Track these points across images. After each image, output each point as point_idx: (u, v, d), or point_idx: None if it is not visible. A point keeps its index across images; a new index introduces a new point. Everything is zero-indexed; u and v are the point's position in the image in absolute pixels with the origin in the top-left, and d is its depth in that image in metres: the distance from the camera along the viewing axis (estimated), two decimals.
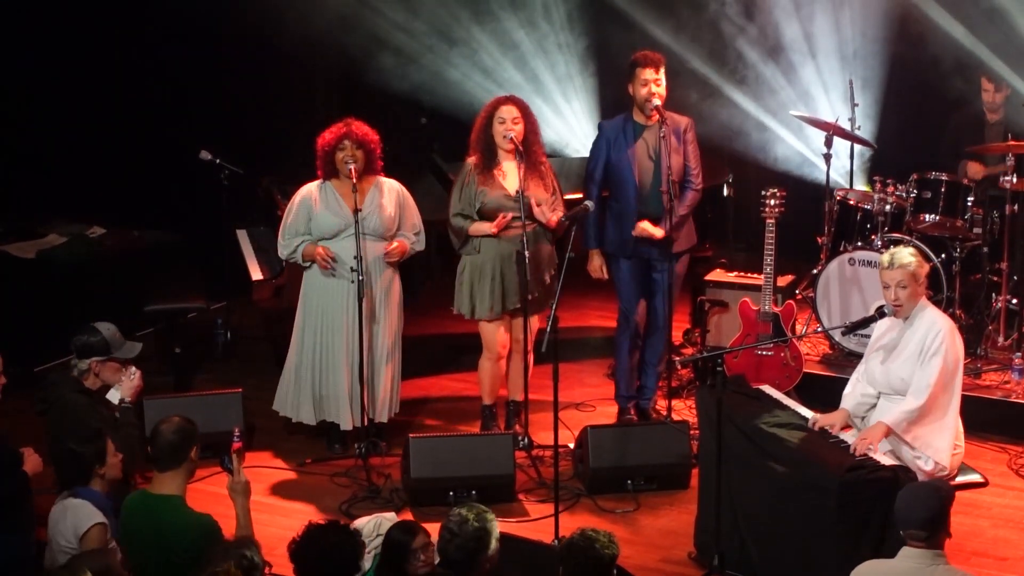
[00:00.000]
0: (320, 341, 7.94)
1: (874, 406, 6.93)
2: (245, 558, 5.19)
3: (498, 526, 5.42)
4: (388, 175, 8.00)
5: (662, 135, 7.91)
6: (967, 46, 9.81)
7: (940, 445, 6.60)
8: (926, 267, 6.83)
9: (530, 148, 7.85)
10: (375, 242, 7.88)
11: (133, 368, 6.92)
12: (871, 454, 6.32)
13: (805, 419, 6.70)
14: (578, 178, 8.98)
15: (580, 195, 8.16)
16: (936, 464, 6.61)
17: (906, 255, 6.72)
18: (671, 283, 8.10)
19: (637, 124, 8.06)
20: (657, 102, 7.90)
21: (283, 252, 8.00)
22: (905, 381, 6.61)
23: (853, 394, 6.92)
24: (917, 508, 5.28)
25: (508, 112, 7.84)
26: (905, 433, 6.57)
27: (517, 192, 7.73)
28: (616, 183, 8.07)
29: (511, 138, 7.78)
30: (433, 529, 5.60)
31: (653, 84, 7.92)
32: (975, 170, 9.18)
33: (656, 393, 8.41)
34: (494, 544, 5.34)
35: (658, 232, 7.95)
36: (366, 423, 7.90)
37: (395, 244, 7.87)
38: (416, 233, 7.97)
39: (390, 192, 7.93)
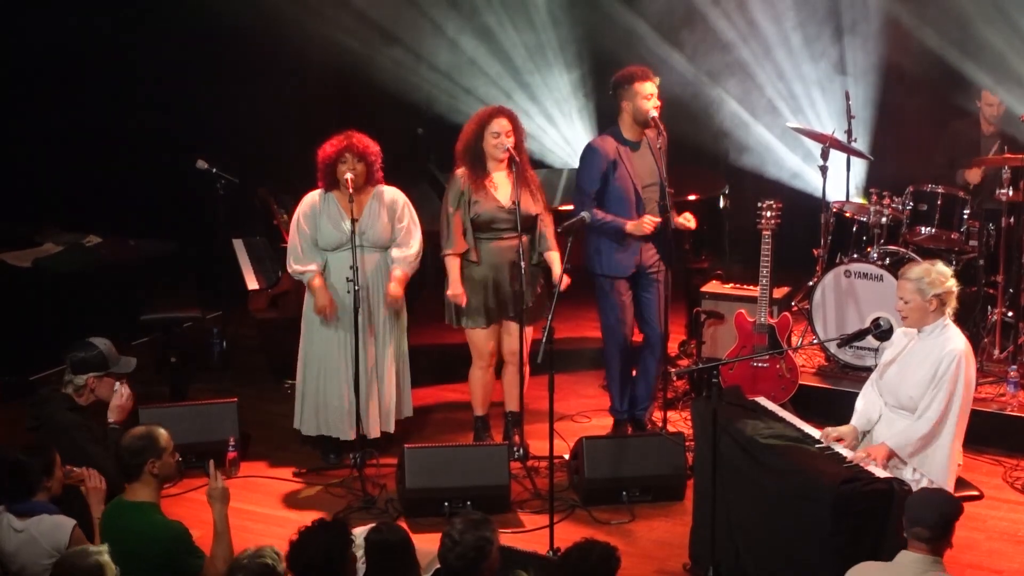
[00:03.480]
0: (322, 354, 7.94)
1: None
2: (266, 566, 5.18)
3: (499, 535, 5.42)
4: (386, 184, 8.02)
5: (660, 146, 7.92)
6: (963, 59, 9.85)
7: (938, 467, 6.57)
8: (943, 287, 6.59)
9: (518, 159, 7.85)
10: (374, 253, 7.89)
11: (120, 387, 6.83)
12: (867, 467, 6.31)
13: (800, 431, 6.69)
14: (563, 190, 8.99)
15: (573, 207, 8.16)
16: (930, 483, 6.59)
17: (917, 270, 6.68)
18: (665, 298, 8.09)
19: (630, 142, 8.04)
20: (657, 106, 7.92)
21: (293, 269, 7.95)
22: (914, 400, 6.57)
23: (863, 412, 6.86)
24: (930, 508, 5.33)
25: (502, 125, 7.82)
26: (910, 458, 6.55)
27: (514, 203, 7.73)
28: (617, 202, 7.98)
29: (507, 149, 7.78)
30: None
31: (655, 97, 7.94)
32: (973, 175, 9.19)
33: (651, 405, 8.41)
34: (494, 553, 5.33)
35: (691, 223, 8.09)
36: (368, 435, 7.90)
37: (393, 286, 7.87)
38: (409, 246, 7.97)
39: (387, 199, 7.94)
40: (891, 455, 6.49)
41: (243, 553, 5.31)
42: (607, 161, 7.96)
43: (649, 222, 7.91)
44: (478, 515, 5.39)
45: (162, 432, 5.96)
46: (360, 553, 6.03)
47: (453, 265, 7.91)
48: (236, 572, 5.22)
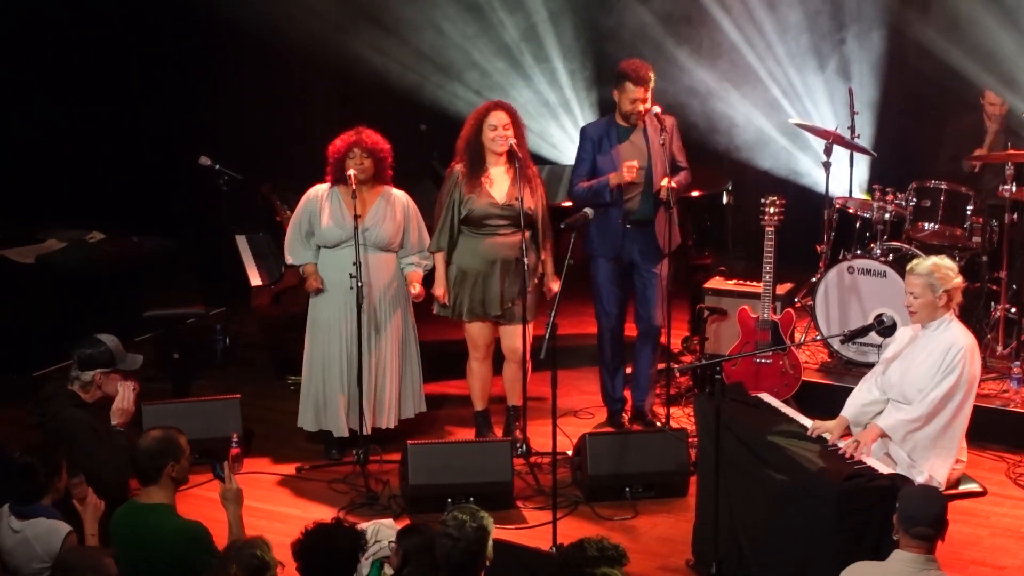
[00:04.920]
0: (324, 351, 7.95)
1: (879, 413, 6.87)
2: (256, 557, 5.19)
3: (491, 521, 5.43)
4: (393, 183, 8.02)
5: (663, 142, 7.94)
6: (965, 57, 9.85)
7: (937, 461, 6.57)
8: (952, 282, 6.66)
9: (519, 154, 7.85)
10: (377, 253, 7.89)
11: (124, 388, 6.73)
12: (863, 459, 6.32)
13: (804, 427, 6.69)
14: (567, 186, 9.01)
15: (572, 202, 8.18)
16: (929, 478, 6.59)
17: (926, 265, 6.70)
18: (667, 292, 8.10)
19: (621, 127, 8.11)
20: (642, 109, 7.97)
21: (289, 259, 8.07)
22: (922, 392, 6.59)
23: (855, 403, 6.88)
24: (927, 507, 5.29)
25: (499, 118, 7.83)
26: (904, 442, 6.56)
27: (517, 199, 7.73)
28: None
29: (501, 145, 7.78)
30: None
31: (640, 102, 7.96)
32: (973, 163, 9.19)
33: (651, 393, 8.42)
34: (490, 541, 5.36)
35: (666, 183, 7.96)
36: (369, 430, 7.90)
37: (416, 287, 7.94)
38: (422, 252, 8.01)
39: (397, 203, 7.95)
40: (881, 435, 6.51)
41: (235, 542, 5.34)
42: (592, 142, 8.08)
43: (628, 167, 7.91)
44: (467, 507, 5.40)
45: (181, 436, 5.96)
46: (373, 549, 6.05)
47: (440, 262, 7.94)
48: (227, 562, 5.22)
